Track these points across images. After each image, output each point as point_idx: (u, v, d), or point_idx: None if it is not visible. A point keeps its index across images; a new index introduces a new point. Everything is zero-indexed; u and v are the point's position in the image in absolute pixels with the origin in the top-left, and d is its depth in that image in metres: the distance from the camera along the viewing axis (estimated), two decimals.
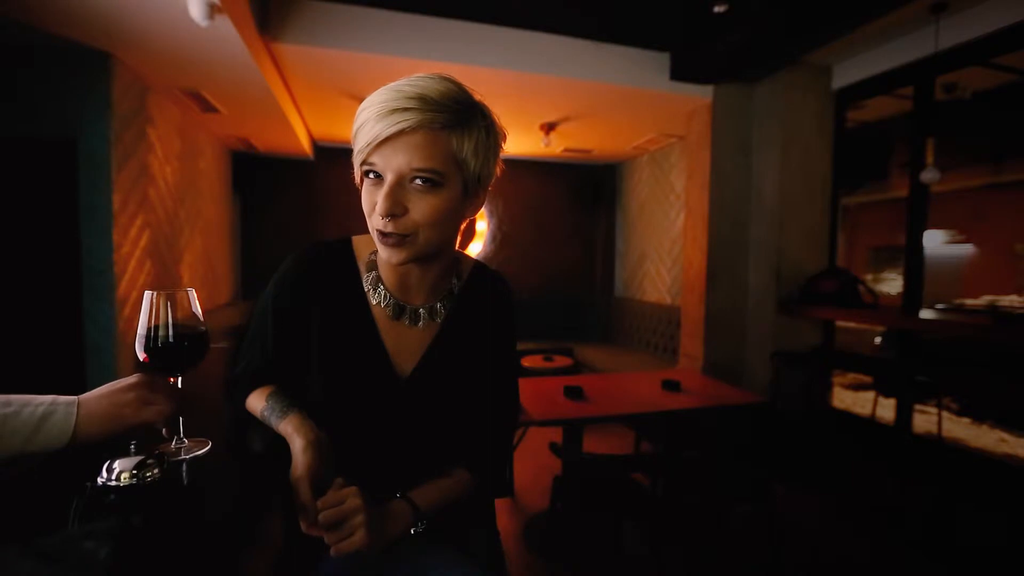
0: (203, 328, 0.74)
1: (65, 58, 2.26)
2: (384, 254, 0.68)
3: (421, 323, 0.79)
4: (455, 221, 0.72)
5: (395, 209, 0.64)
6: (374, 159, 0.64)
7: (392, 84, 0.65)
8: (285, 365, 0.78)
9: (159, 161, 2.89)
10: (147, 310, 0.69)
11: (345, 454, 0.73)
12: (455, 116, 0.65)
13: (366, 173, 0.67)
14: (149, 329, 0.69)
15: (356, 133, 0.66)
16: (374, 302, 0.78)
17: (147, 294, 0.69)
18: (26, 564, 0.44)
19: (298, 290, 0.77)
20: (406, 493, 0.73)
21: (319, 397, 0.76)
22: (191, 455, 0.73)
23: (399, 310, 0.78)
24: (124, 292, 2.47)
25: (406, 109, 0.62)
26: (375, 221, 0.67)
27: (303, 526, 0.64)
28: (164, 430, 0.70)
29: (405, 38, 2.65)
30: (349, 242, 0.82)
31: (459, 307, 0.82)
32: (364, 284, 0.79)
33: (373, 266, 0.79)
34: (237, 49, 2.22)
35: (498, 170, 0.74)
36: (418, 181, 0.64)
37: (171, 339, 0.70)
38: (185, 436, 0.75)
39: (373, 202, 0.66)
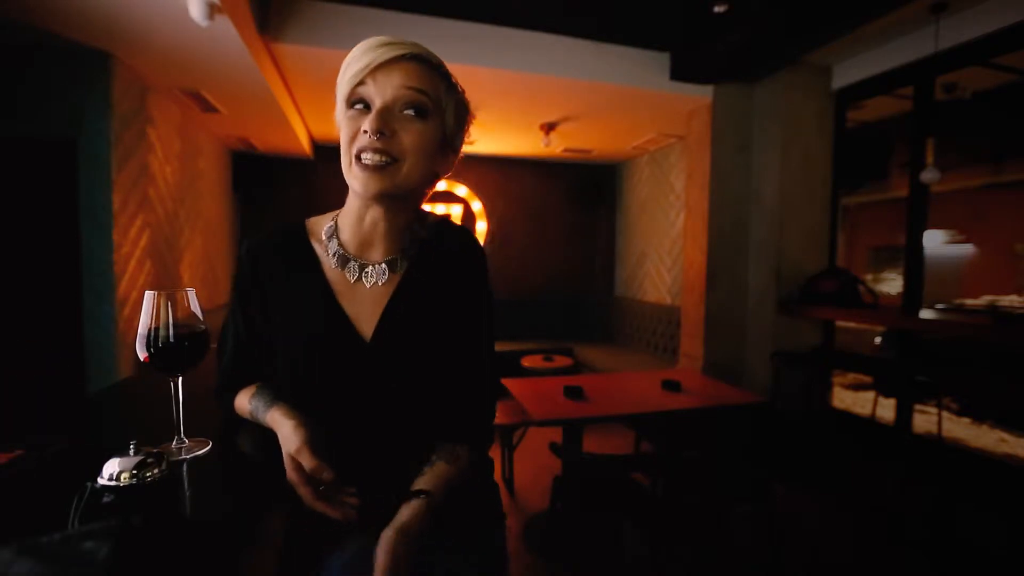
0: (203, 328, 0.74)
1: (65, 58, 2.26)
2: (359, 183, 0.67)
3: (380, 279, 0.76)
4: (432, 164, 0.72)
5: (384, 128, 0.65)
6: (366, 84, 0.66)
7: None
8: (255, 347, 0.78)
9: (159, 161, 2.89)
10: (148, 310, 0.70)
11: (322, 431, 0.73)
12: (441, 67, 0.70)
13: (352, 104, 0.68)
14: (150, 329, 0.70)
15: (346, 68, 0.68)
16: (332, 266, 0.76)
17: (148, 294, 0.69)
18: (25, 564, 0.44)
19: (253, 270, 0.77)
20: (413, 488, 0.70)
21: (286, 373, 0.75)
22: (191, 455, 0.73)
23: (357, 269, 0.75)
24: (124, 292, 2.47)
25: (402, 43, 0.67)
26: (360, 141, 0.66)
27: (308, 498, 0.63)
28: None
29: (405, 38, 2.65)
30: (302, 223, 0.81)
31: (420, 259, 0.78)
32: (319, 254, 0.77)
33: (331, 232, 0.77)
34: (237, 49, 2.22)
35: (463, 149, 0.78)
36: (409, 111, 0.67)
37: (171, 339, 0.70)
38: (185, 436, 0.75)
39: (356, 127, 0.67)
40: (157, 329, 0.70)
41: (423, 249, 0.79)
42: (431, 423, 0.78)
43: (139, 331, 0.70)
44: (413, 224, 0.79)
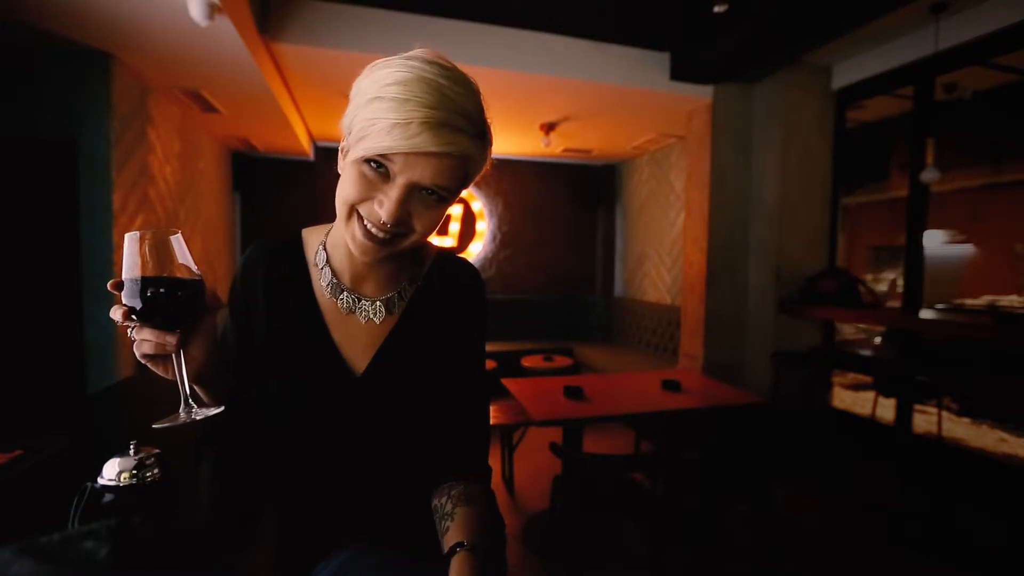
0: (199, 278, 0.61)
1: (65, 58, 2.26)
2: (359, 250, 0.63)
3: (376, 316, 0.73)
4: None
5: (404, 217, 0.61)
6: (395, 160, 0.58)
7: (428, 73, 0.57)
8: (245, 367, 0.74)
9: (159, 161, 2.89)
10: (132, 254, 0.56)
11: (309, 462, 0.72)
12: (484, 140, 0.63)
13: (370, 161, 0.59)
14: (138, 277, 0.56)
15: (381, 115, 0.56)
16: (323, 295, 0.73)
17: (129, 236, 0.56)
18: (26, 563, 0.44)
19: (245, 289, 0.74)
20: (448, 544, 0.65)
21: (273, 399, 0.73)
22: (205, 416, 0.62)
23: (351, 302, 0.73)
24: None
25: (457, 129, 0.58)
26: (371, 212, 0.61)
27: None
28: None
29: (405, 38, 2.65)
30: (299, 236, 0.78)
31: (420, 297, 0.76)
32: (312, 277, 0.74)
33: (324, 259, 0.74)
34: (237, 49, 2.22)
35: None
36: (425, 193, 0.61)
37: (163, 289, 0.56)
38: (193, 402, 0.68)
39: (368, 192, 0.61)
40: (145, 278, 0.55)
41: (423, 287, 0.77)
42: (421, 458, 0.76)
43: (124, 277, 0.56)
44: (408, 259, 0.75)
